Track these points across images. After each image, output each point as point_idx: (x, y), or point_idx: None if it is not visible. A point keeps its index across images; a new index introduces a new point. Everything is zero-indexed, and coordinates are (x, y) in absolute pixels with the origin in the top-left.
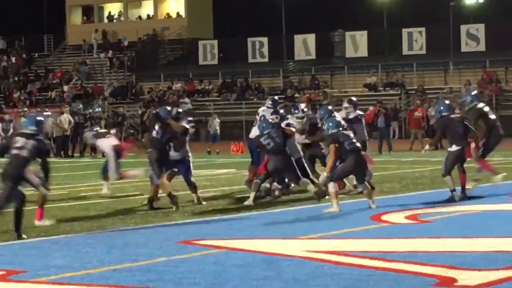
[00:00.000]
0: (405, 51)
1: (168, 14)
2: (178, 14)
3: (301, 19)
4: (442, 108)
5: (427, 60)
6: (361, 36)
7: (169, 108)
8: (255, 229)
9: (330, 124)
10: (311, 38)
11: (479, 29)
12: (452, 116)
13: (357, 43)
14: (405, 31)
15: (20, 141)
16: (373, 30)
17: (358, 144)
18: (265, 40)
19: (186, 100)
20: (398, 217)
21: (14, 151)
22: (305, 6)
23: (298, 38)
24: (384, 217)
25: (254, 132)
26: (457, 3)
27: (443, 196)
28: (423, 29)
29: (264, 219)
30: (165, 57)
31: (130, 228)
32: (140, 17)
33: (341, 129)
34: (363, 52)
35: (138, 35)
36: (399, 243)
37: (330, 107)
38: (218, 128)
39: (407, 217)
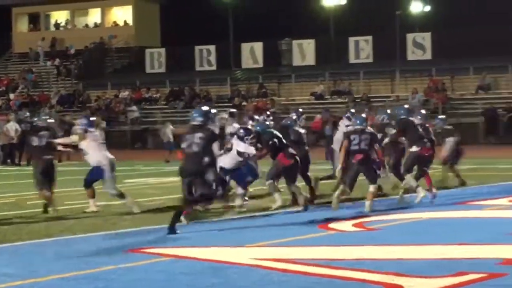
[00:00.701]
0: (352, 59)
1: (115, 22)
2: (125, 22)
3: (248, 28)
4: (402, 111)
5: (374, 68)
6: (308, 45)
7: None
8: (203, 236)
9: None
10: (258, 47)
11: (425, 38)
12: (412, 118)
13: (304, 51)
14: (352, 40)
15: None
16: (320, 38)
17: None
18: (212, 48)
19: (134, 108)
20: (345, 225)
21: None
22: (252, 14)
23: (245, 46)
24: (331, 225)
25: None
26: (403, 12)
27: (391, 203)
28: (369, 38)
29: (212, 226)
30: (112, 65)
31: (78, 236)
32: (87, 25)
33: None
34: (310, 60)
35: (85, 43)
36: (346, 251)
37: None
38: (171, 136)
39: (354, 225)
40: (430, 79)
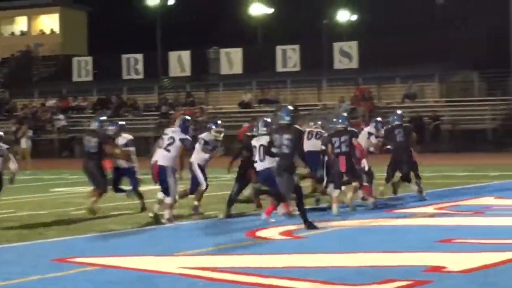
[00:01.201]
0: (279, 68)
1: (42, 30)
2: (52, 30)
3: (176, 36)
4: (395, 117)
5: (301, 77)
6: (236, 53)
7: None
8: (131, 245)
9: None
10: (186, 55)
11: (352, 47)
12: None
13: (232, 60)
14: (279, 48)
15: None
16: (248, 47)
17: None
18: (140, 56)
19: (61, 117)
20: (273, 233)
21: None
22: (180, 23)
23: (173, 55)
24: (259, 233)
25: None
26: (330, 21)
27: (319, 212)
28: (297, 47)
29: (140, 235)
30: (39, 74)
31: (2, 246)
32: (13, 33)
33: None
34: (237, 69)
35: (12, 51)
36: (273, 259)
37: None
38: None
39: (281, 233)
40: (357, 88)
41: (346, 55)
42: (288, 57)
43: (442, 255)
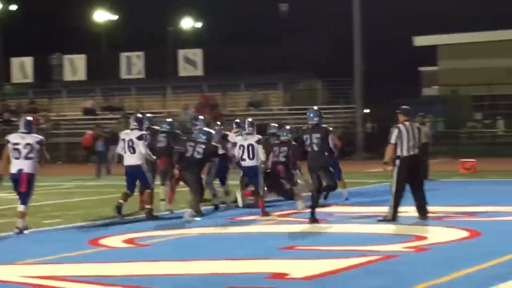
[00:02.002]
0: (124, 75)
1: None
2: None
3: (18, 42)
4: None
5: (146, 84)
6: (80, 60)
7: None
8: None
9: None
10: (28, 61)
11: (196, 54)
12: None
13: (75, 66)
14: (123, 55)
15: None
16: (92, 54)
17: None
18: None
19: None
20: (115, 241)
21: None
22: (22, 29)
23: (15, 61)
24: (101, 241)
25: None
26: (175, 28)
27: (163, 219)
28: (141, 54)
29: None
30: None
31: None
32: None
33: None
34: (81, 75)
35: None
36: (116, 267)
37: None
38: None
39: (124, 241)
40: (202, 95)
41: (190, 62)
42: (133, 64)
43: (285, 262)
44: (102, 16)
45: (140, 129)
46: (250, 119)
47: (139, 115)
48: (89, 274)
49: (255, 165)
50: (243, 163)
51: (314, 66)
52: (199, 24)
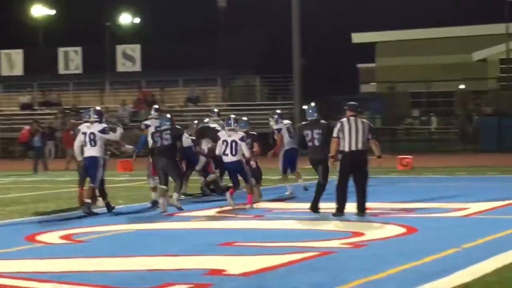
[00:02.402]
0: (62, 70)
1: None
2: None
3: None
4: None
5: (84, 79)
6: (17, 55)
7: None
8: None
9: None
10: None
11: (134, 50)
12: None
13: (12, 61)
14: (61, 50)
15: None
16: (29, 49)
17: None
18: None
19: None
20: (52, 237)
21: None
22: None
23: None
24: (38, 237)
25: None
26: (113, 23)
27: (101, 215)
28: (79, 49)
29: None
30: None
31: None
32: None
33: None
34: (18, 70)
35: None
36: (52, 263)
37: None
38: None
39: (61, 237)
40: (140, 91)
41: (129, 58)
42: (70, 60)
43: (222, 258)
44: (39, 10)
45: (101, 121)
46: (233, 116)
47: (99, 108)
48: (25, 270)
49: (237, 160)
50: (225, 158)
51: (253, 62)
52: (137, 20)
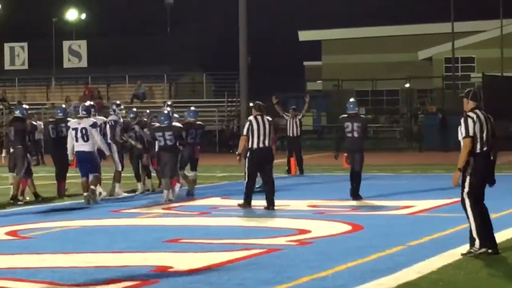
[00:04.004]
0: (7, 65)
1: None
2: None
3: None
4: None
5: (29, 75)
6: None
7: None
8: None
9: None
10: None
11: (81, 45)
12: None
13: None
14: (7, 46)
15: None
16: None
17: None
18: None
19: None
20: None
21: None
22: None
23: None
24: None
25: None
26: (60, 19)
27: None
28: (25, 44)
29: None
30: None
31: None
32: None
33: None
34: None
35: None
36: None
37: None
38: None
39: (7, 233)
40: (86, 87)
41: (75, 54)
42: (16, 55)
43: (169, 255)
44: None
45: (89, 117)
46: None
47: (87, 104)
48: None
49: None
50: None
51: (199, 59)
52: (84, 16)
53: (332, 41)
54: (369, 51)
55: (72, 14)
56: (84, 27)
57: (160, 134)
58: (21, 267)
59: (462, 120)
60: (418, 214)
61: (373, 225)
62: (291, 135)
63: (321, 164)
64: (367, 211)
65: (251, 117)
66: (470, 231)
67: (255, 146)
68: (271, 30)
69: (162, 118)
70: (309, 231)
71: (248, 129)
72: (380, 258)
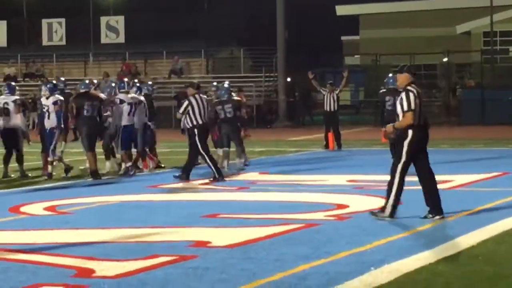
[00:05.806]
0: (45, 41)
1: None
2: None
3: None
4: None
5: (67, 51)
6: (1, 26)
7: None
8: None
9: None
10: None
11: (118, 21)
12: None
13: None
14: (45, 22)
15: None
16: (13, 20)
17: None
18: None
19: None
20: (36, 209)
21: None
22: None
23: None
24: (22, 209)
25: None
26: None
27: (77, 187)
28: (63, 20)
29: None
30: None
31: None
32: None
33: None
34: (2, 42)
35: None
36: (37, 235)
37: None
38: None
39: (45, 208)
40: (123, 63)
41: (113, 29)
42: (54, 31)
43: (207, 230)
44: None
45: (52, 94)
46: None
47: (50, 83)
48: (10, 242)
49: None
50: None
51: (236, 34)
52: None
53: (370, 16)
54: (407, 25)
55: None
56: (121, 2)
57: (220, 107)
58: (60, 242)
59: (403, 95)
60: (457, 189)
61: (412, 200)
62: (328, 110)
63: (359, 139)
64: (405, 186)
65: (190, 97)
66: (388, 197)
67: (200, 121)
68: (308, 4)
69: (223, 92)
70: (347, 206)
71: (187, 107)
72: (419, 233)
